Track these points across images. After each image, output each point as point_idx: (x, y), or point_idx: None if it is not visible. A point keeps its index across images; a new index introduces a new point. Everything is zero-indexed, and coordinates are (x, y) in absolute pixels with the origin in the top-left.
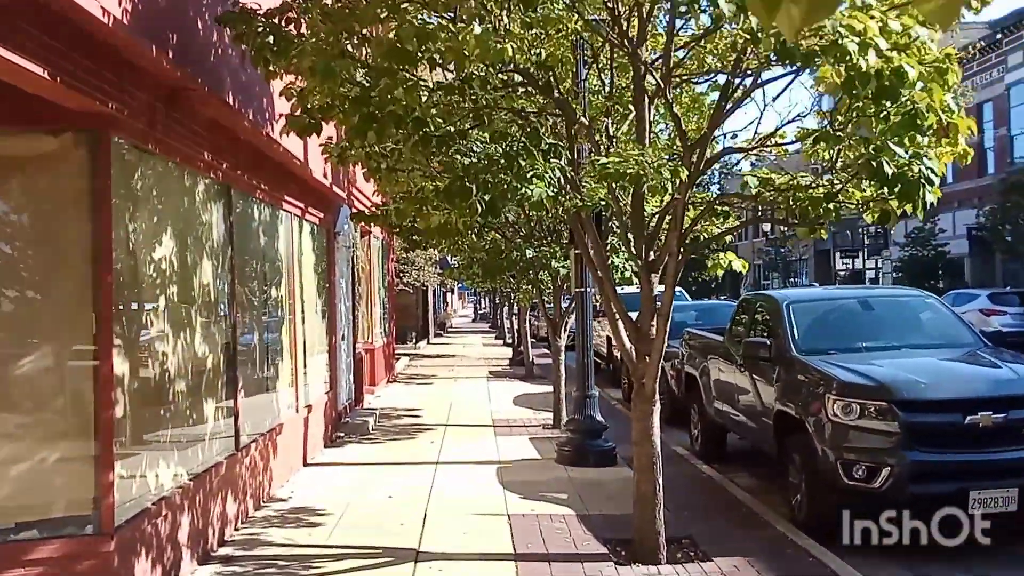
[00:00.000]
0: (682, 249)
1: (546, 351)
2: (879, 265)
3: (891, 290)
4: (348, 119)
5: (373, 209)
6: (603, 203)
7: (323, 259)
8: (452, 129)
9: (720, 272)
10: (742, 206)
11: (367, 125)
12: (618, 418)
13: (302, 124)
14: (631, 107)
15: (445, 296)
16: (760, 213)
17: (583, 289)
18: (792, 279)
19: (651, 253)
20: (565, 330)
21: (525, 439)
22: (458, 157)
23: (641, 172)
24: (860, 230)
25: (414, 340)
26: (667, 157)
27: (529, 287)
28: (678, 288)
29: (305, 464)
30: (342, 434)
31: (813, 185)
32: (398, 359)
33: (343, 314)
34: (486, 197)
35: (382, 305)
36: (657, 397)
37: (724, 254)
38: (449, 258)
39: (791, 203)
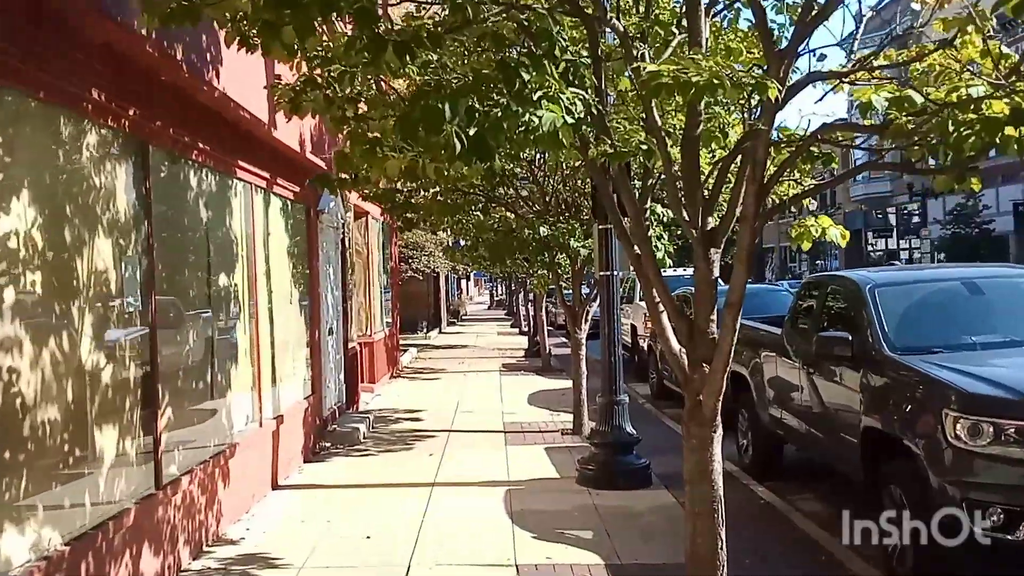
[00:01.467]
0: (762, 209)
1: (564, 341)
2: (917, 245)
3: (1000, 268)
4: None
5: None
6: (642, 148)
7: (301, 241)
8: (418, 31)
9: (807, 245)
10: (858, 144)
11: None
12: (648, 421)
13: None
14: (674, 29)
15: (459, 282)
16: (879, 155)
17: (609, 272)
18: (820, 261)
19: (709, 219)
20: (586, 320)
21: (540, 450)
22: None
23: (715, 81)
24: (894, 208)
25: (425, 330)
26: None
27: (544, 271)
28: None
29: (275, 487)
30: (328, 444)
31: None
32: (404, 351)
33: (330, 305)
34: (471, 131)
35: (383, 293)
36: (719, 420)
37: (817, 219)
38: (458, 240)
39: (950, 130)
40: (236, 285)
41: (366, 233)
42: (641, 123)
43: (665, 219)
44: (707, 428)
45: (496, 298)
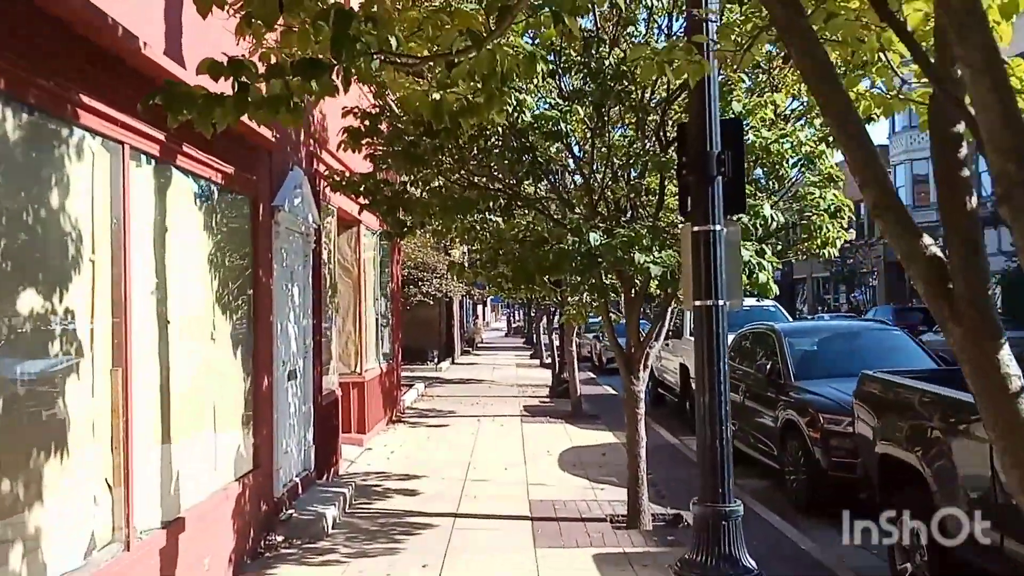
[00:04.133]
0: None
1: (592, 376)
2: None
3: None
4: None
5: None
6: None
7: (239, 248)
8: None
9: None
10: None
11: None
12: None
13: None
14: None
15: (475, 308)
16: None
17: (713, 301)
18: (854, 295)
19: None
20: (645, 367)
21: (586, 559)
22: None
23: None
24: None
25: (436, 360)
26: None
27: (590, 298)
28: (771, 300)
29: None
30: (279, 539)
31: None
32: (409, 387)
33: (293, 338)
34: None
35: (381, 321)
36: None
37: None
38: (473, 260)
39: None
40: (73, 308)
41: (357, 247)
42: None
43: (774, 224)
44: None
45: (514, 325)
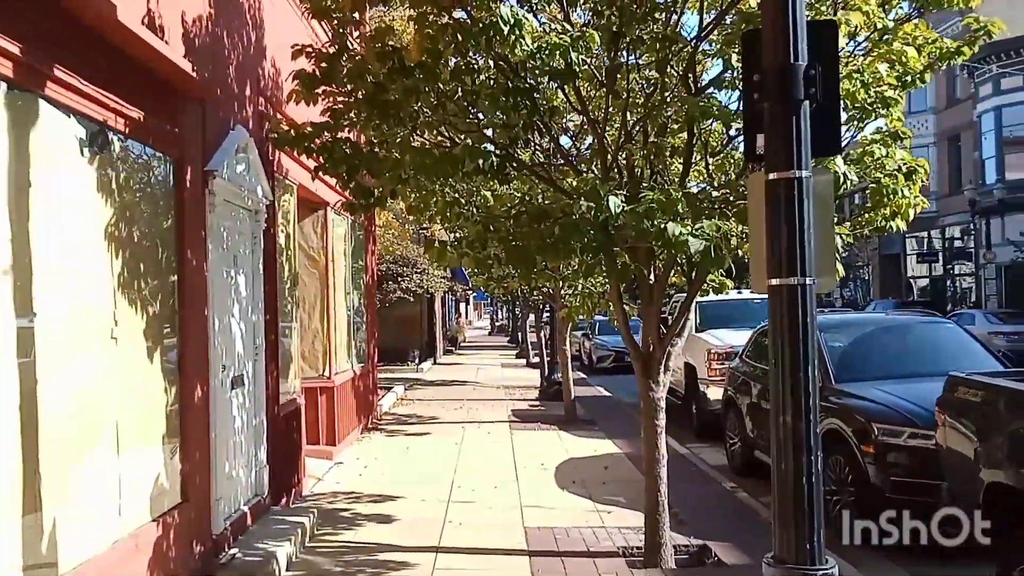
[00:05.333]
0: None
1: (583, 376)
2: (969, 271)
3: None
4: None
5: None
6: None
7: (160, 218)
8: None
9: None
10: None
11: None
12: (740, 519)
13: None
14: None
15: (458, 306)
16: None
17: (798, 280)
18: (846, 290)
19: None
20: (667, 368)
21: None
22: None
23: None
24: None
25: (417, 360)
26: None
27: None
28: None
29: None
30: None
31: None
32: (387, 391)
33: (237, 337)
34: None
35: (354, 318)
36: None
37: None
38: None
39: None
40: None
41: (325, 233)
42: None
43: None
44: None
45: (497, 323)
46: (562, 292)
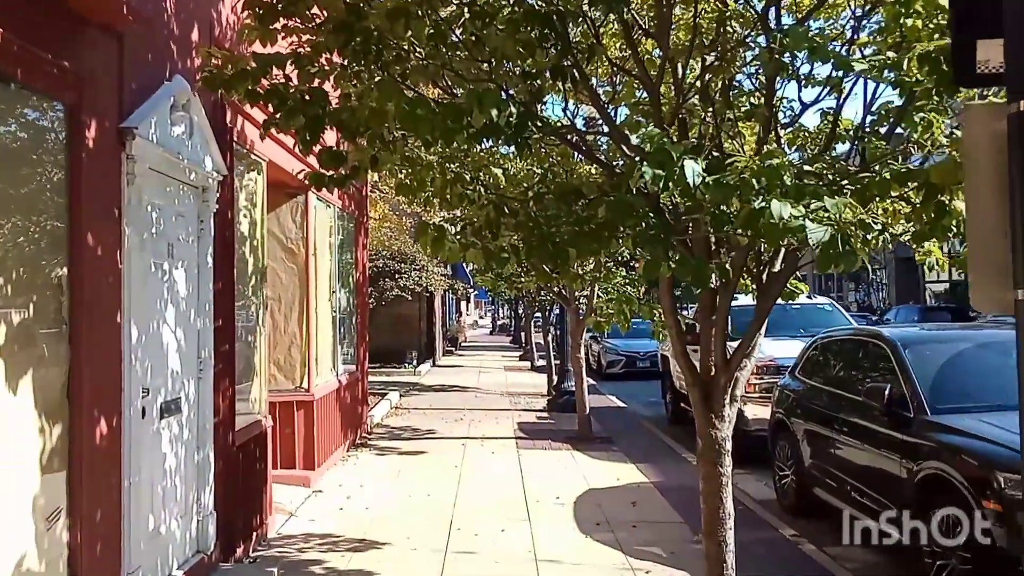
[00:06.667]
0: None
1: (591, 382)
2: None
3: None
4: None
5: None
6: None
7: (38, 188)
8: None
9: None
10: None
11: None
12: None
13: None
14: None
15: (458, 304)
16: None
17: None
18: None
19: None
20: (733, 401)
21: None
22: None
23: None
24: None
25: (415, 362)
26: None
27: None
28: (826, 298)
29: None
30: None
31: None
32: (381, 398)
33: (176, 346)
34: None
35: (343, 318)
36: None
37: None
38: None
39: None
40: None
41: (305, 222)
42: None
43: None
44: None
45: (499, 322)
46: (584, 294)
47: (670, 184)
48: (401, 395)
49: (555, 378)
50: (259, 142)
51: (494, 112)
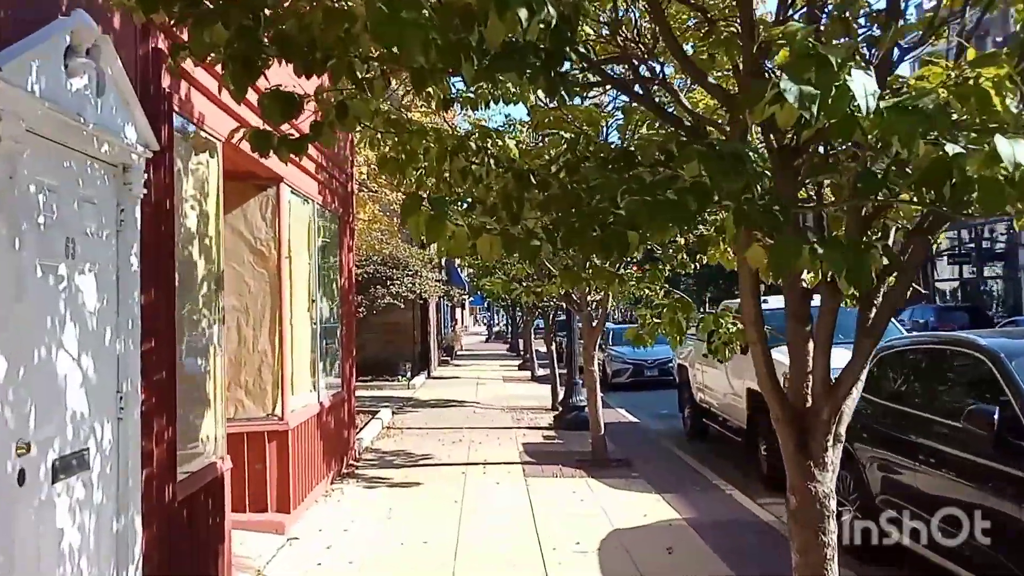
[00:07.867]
0: None
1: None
2: (1019, 273)
3: None
4: None
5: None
6: None
7: None
8: None
9: None
10: None
11: None
12: None
13: None
14: None
15: (453, 312)
16: None
17: None
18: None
19: None
20: (837, 442)
21: None
22: None
23: None
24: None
25: (408, 374)
26: None
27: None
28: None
29: None
30: None
31: None
32: (371, 418)
33: (78, 382)
34: None
35: (324, 332)
36: None
37: None
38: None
39: None
40: None
41: (276, 220)
42: None
43: None
44: None
45: (495, 329)
46: (596, 299)
47: (822, 113)
48: (394, 412)
49: (560, 391)
50: (215, 116)
51: (523, 13)
